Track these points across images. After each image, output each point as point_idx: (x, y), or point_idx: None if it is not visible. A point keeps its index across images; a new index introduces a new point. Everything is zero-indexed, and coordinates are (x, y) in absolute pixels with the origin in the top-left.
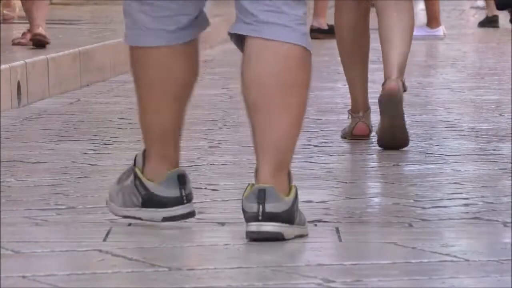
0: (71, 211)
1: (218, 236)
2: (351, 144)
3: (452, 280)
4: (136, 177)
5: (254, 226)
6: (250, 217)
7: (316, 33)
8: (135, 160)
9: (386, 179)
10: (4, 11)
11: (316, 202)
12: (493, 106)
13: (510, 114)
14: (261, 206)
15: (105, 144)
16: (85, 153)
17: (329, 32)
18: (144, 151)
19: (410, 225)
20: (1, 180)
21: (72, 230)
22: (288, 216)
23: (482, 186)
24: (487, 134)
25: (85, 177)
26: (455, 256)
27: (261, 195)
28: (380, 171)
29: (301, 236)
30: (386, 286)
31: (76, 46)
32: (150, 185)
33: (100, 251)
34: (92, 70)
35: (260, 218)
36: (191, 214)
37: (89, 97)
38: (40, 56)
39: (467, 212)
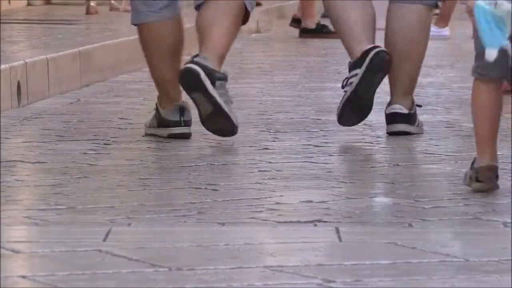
0: (71, 211)
1: (218, 236)
2: (351, 144)
3: (452, 280)
4: (156, 106)
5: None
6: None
7: (303, 33)
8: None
9: (386, 179)
10: (112, 1)
11: (316, 202)
12: None
13: (510, 114)
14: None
15: (105, 144)
16: (85, 153)
17: (316, 31)
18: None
19: (410, 225)
20: (1, 180)
21: (72, 230)
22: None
23: None
24: None
25: (85, 177)
26: (455, 256)
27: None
28: (380, 171)
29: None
30: (386, 286)
31: (76, 46)
32: (162, 111)
33: (100, 251)
34: (92, 70)
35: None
36: (187, 135)
37: (89, 97)
38: (40, 56)
39: (467, 212)
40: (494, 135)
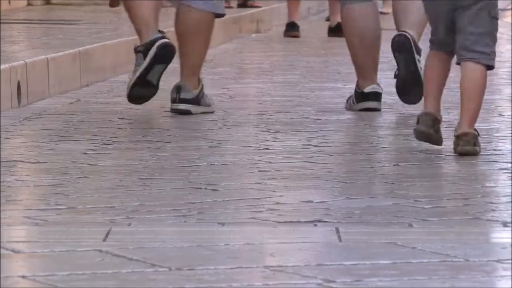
0: (71, 211)
1: (218, 236)
2: (351, 144)
3: (452, 280)
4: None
5: (174, 105)
6: (171, 100)
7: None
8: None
9: (386, 179)
10: None
11: (316, 202)
12: (493, 106)
13: (510, 114)
14: (178, 94)
15: (105, 144)
16: (85, 153)
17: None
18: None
19: (410, 225)
20: (1, 180)
21: (72, 230)
22: (195, 100)
23: (482, 186)
24: (487, 134)
25: (85, 177)
26: (455, 256)
27: (178, 89)
28: (380, 171)
29: (206, 112)
30: (386, 286)
31: (76, 46)
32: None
33: (100, 251)
34: (92, 70)
35: (177, 101)
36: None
37: (89, 97)
38: (40, 56)
39: (467, 212)
40: (438, 93)
